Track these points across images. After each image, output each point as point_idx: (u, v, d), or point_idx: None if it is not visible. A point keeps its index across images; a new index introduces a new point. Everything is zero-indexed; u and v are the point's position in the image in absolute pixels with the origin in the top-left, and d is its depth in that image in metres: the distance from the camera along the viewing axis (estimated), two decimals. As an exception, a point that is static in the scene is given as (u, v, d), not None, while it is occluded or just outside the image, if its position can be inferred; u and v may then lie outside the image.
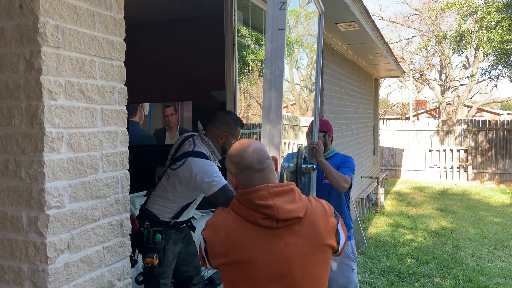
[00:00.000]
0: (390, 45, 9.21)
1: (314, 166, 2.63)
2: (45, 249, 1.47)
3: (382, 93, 24.78)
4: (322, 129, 3.12)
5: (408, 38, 25.13)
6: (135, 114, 5.86)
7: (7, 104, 1.52)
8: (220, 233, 1.46)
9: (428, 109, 27.41)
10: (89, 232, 1.67)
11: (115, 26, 1.80)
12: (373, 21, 5.61)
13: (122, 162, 1.85)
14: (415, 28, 23.17)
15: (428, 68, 23.92)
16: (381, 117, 20.95)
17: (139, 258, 2.39)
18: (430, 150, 14.05)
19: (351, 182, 2.94)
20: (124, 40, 1.86)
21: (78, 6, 1.60)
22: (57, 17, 1.51)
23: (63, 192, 1.54)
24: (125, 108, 1.87)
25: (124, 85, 1.87)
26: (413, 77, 23.38)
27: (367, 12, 5.12)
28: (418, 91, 26.79)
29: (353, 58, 7.67)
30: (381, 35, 6.47)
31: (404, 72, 11.50)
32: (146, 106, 5.76)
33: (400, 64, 11.69)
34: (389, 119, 23.00)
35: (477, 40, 14.50)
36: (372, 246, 6.14)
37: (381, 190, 8.99)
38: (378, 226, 7.47)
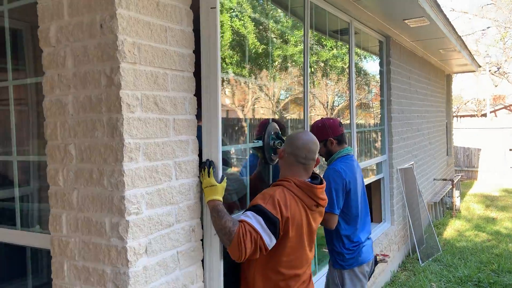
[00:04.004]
0: (462, 37, 8.62)
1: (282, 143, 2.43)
2: (125, 253, 1.57)
3: (456, 88, 23.30)
4: (320, 138, 2.57)
5: (483, 29, 23.50)
6: (201, 119, 6.07)
7: (91, 117, 1.63)
8: (289, 205, 1.95)
9: (507, 104, 25.44)
10: (164, 237, 1.75)
11: (185, 39, 1.87)
12: (445, 15, 5.31)
13: (193, 170, 1.91)
14: (490, 19, 21.62)
15: (506, 61, 22.21)
16: (455, 114, 19.77)
17: None
18: (510, 149, 13.02)
19: (332, 218, 2.53)
20: (194, 52, 1.93)
21: (152, 22, 1.69)
22: (133, 34, 1.61)
23: (141, 199, 1.63)
24: (195, 117, 1.94)
25: (194, 95, 1.93)
26: (490, 70, 21.83)
27: (438, 6, 4.86)
28: (496, 86, 24.95)
29: (422, 55, 7.32)
30: (453, 29, 6.11)
31: (479, 66, 10.77)
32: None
33: (475, 57, 10.93)
34: (463, 116, 21.66)
35: None
36: (447, 253, 5.81)
37: (456, 193, 8.48)
38: (454, 231, 7.05)
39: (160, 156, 1.73)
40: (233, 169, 2.39)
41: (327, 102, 4.55)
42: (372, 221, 5.50)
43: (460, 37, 6.85)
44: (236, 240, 1.81)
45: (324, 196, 2.14)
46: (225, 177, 1.95)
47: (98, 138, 1.62)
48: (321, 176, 2.21)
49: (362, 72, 4.99)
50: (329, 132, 2.73)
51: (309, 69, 3.03)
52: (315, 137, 2.18)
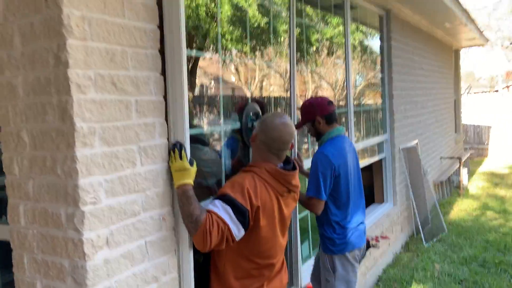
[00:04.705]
0: (474, 12, 8.25)
1: None
2: (82, 245, 1.46)
3: (467, 65, 22.55)
4: (307, 118, 2.61)
5: (495, 3, 22.72)
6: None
7: (41, 100, 1.51)
8: (259, 194, 1.85)
9: (520, 79, 24.77)
10: (129, 227, 1.63)
11: (147, 13, 1.72)
12: (448, -14, 5.05)
13: (161, 155, 1.78)
14: (502, -9, 20.86)
15: (519, 34, 21.51)
16: (467, 91, 19.31)
17: None
18: (522, 125, 12.69)
19: (318, 203, 2.47)
20: (159, 27, 1.78)
21: (105, -6, 1.54)
22: (82, 7, 1.46)
23: (99, 187, 1.51)
24: (162, 98, 1.80)
25: (161, 74, 1.79)
26: (502, 45, 21.21)
27: (440, -25, 4.61)
28: (509, 61, 24.26)
29: (427, 29, 7.04)
30: (458, 1, 5.83)
31: (487, 40, 10.39)
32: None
33: (487, 32, 10.55)
34: (476, 93, 21.19)
35: None
36: (452, 233, 5.67)
37: (464, 171, 8.28)
38: (461, 210, 6.89)
39: (120, 140, 1.60)
40: (210, 151, 2.26)
41: (336, 82, 4.38)
42: (374, 202, 5.37)
43: (465, 10, 6.55)
44: (202, 229, 1.70)
45: (297, 182, 2.04)
46: (195, 161, 1.83)
47: (50, 123, 1.49)
48: (294, 160, 2.10)
49: (361, 48, 4.78)
50: (316, 111, 2.59)
51: (295, 43, 2.86)
52: (291, 124, 2.02)
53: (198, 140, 2.27)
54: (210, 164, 2.21)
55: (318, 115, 2.58)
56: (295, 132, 2.06)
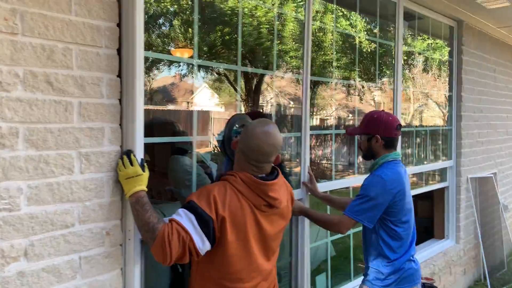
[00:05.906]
0: None
1: None
2: (-10, 255, 1.35)
3: None
4: (367, 130, 2.28)
5: None
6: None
7: (-28, 97, 1.44)
8: (228, 203, 1.61)
9: None
10: (57, 239, 1.49)
11: (103, 9, 1.60)
12: (535, -8, 4.32)
13: (110, 163, 1.63)
14: None
15: None
16: None
17: None
18: None
19: (349, 222, 2.14)
20: (118, 25, 1.65)
21: (46, -13, 1.45)
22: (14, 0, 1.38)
23: (17, 193, 1.39)
24: (118, 102, 1.65)
25: (118, 76, 1.65)
26: None
27: (522, -20, 3.95)
28: None
29: (517, 44, 6.16)
30: (553, 10, 4.99)
31: None
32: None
33: None
34: None
35: None
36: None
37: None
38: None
39: (53, 144, 1.48)
40: (190, 160, 2.07)
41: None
42: (433, 236, 4.73)
43: None
44: (160, 238, 1.51)
45: (276, 194, 1.72)
46: (146, 166, 1.66)
47: (-24, 121, 1.42)
48: (279, 170, 1.81)
49: (418, 61, 4.27)
50: (379, 129, 2.25)
51: (310, 48, 2.56)
52: (275, 134, 1.73)
53: (177, 150, 2.10)
54: (189, 175, 2.02)
55: (380, 134, 2.25)
56: (280, 143, 1.75)
